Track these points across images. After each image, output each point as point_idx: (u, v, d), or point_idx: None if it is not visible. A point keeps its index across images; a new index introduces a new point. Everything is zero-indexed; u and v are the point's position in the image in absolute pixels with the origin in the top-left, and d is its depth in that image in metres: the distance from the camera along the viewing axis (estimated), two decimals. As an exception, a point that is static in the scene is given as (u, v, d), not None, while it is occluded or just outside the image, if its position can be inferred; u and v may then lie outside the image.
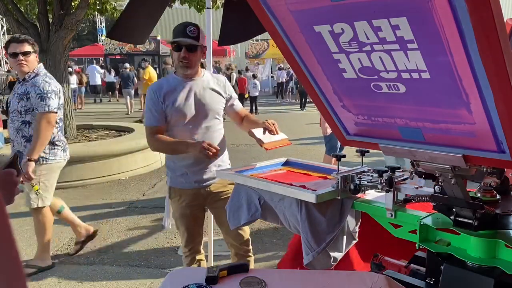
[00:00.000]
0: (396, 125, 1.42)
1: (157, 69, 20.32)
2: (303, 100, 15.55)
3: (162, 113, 2.36)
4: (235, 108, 2.57)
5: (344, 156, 1.94)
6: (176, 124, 2.38)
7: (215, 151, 2.23)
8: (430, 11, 1.01)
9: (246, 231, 2.56)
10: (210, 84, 2.45)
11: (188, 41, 2.30)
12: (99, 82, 18.49)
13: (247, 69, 18.49)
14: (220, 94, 2.48)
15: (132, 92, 14.70)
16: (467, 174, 1.40)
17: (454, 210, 1.46)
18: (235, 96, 2.61)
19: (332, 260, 1.86)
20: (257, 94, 14.67)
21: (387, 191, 1.64)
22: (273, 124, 2.42)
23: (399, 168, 1.69)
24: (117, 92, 19.25)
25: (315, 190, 1.80)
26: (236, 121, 2.62)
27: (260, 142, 2.37)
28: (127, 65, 16.48)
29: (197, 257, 2.55)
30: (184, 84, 2.38)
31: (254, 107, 14.36)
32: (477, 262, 1.41)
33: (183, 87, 2.37)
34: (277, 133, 2.41)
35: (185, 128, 2.38)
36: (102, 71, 19.67)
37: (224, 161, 2.54)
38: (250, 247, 2.60)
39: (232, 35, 3.99)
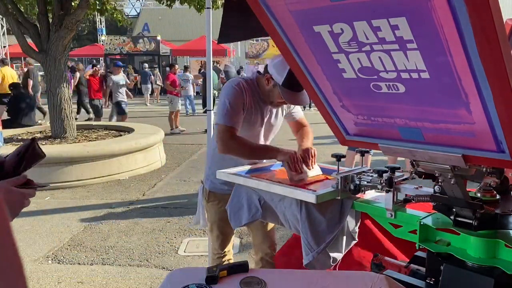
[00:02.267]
0: (395, 125, 1.42)
1: (158, 69, 20.30)
2: None
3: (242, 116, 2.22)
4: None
5: (343, 156, 1.94)
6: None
7: (299, 169, 2.07)
8: (430, 11, 1.01)
9: (273, 235, 2.54)
10: None
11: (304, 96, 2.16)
12: (98, 82, 18.54)
13: (239, 72, 18.53)
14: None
15: (150, 87, 17.09)
16: (466, 174, 1.40)
17: (454, 210, 1.46)
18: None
19: (332, 260, 1.86)
20: None
21: (387, 191, 1.64)
22: (312, 157, 2.17)
23: (399, 168, 1.69)
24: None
25: (315, 191, 1.80)
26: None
27: (290, 177, 2.05)
28: (146, 64, 19.03)
29: (227, 258, 2.55)
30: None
31: None
32: (477, 262, 1.41)
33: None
34: (312, 168, 2.16)
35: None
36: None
37: None
38: (275, 253, 2.57)
39: (231, 34, 3.99)
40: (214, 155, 2.38)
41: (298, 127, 2.49)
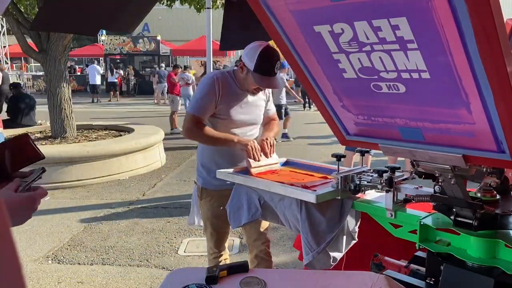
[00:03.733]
0: (396, 125, 1.42)
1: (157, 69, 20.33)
2: (308, 100, 15.44)
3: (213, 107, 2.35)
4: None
5: (343, 156, 1.94)
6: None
7: (257, 157, 2.24)
8: (430, 11, 1.01)
9: (267, 232, 2.56)
10: None
11: (276, 81, 2.32)
12: (98, 82, 18.53)
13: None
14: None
15: (165, 87, 16.31)
16: (467, 174, 1.40)
17: (454, 210, 1.46)
18: None
19: (332, 260, 1.86)
20: None
21: (387, 191, 1.64)
22: (271, 146, 2.33)
23: (399, 168, 1.69)
24: (118, 92, 19.34)
25: (315, 190, 1.80)
26: None
27: (248, 164, 2.21)
28: (163, 64, 19.70)
29: (223, 258, 2.56)
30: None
31: None
32: (477, 262, 1.41)
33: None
34: (270, 156, 2.32)
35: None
36: (101, 71, 19.77)
37: None
38: (270, 249, 2.59)
39: (232, 41, 4.00)
40: (202, 152, 2.47)
41: (267, 120, 2.61)
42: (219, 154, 2.40)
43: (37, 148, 1.06)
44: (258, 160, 2.23)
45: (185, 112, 2.46)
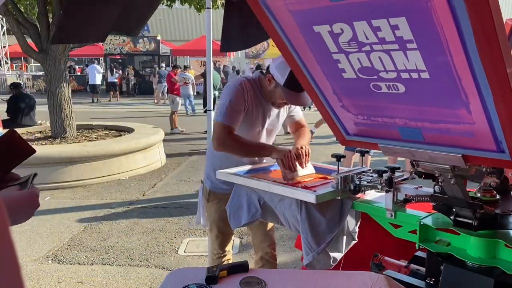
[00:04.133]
0: (395, 125, 1.42)
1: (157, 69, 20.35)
2: None
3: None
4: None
5: (343, 156, 1.94)
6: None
7: (293, 168, 2.11)
8: (429, 11, 1.01)
9: (273, 234, 2.55)
10: None
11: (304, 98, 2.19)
12: (98, 82, 18.55)
13: (238, 72, 18.54)
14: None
15: (165, 87, 16.45)
16: (466, 174, 1.40)
17: (454, 210, 1.46)
18: None
19: (332, 260, 1.86)
20: None
21: (387, 191, 1.64)
22: (306, 155, 2.18)
23: (399, 168, 1.69)
24: (118, 92, 19.36)
25: (315, 191, 1.80)
26: None
27: (284, 176, 2.08)
28: (163, 64, 19.84)
29: (226, 258, 2.56)
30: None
31: None
32: (477, 262, 1.41)
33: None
34: (305, 166, 2.18)
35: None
36: (101, 71, 19.78)
37: None
38: (275, 252, 2.58)
39: (233, 42, 4.00)
40: (213, 155, 2.39)
41: (297, 127, 2.50)
42: (233, 160, 2.29)
43: (27, 142, 1.02)
44: (295, 170, 2.10)
45: (214, 122, 2.28)
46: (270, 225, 2.50)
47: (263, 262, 2.53)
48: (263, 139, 2.39)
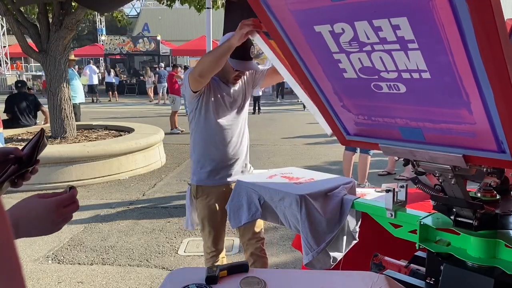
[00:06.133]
0: (396, 125, 1.42)
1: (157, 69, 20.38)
2: None
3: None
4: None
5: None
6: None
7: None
8: (431, 11, 1.01)
9: (261, 230, 2.59)
10: None
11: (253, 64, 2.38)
12: (96, 82, 18.56)
13: None
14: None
15: (164, 87, 16.82)
16: (467, 174, 1.40)
17: (454, 210, 1.46)
18: None
19: (332, 260, 1.87)
20: (260, 94, 14.66)
21: (387, 191, 1.64)
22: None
23: None
24: (116, 92, 19.36)
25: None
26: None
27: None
28: (162, 64, 19.89)
29: (221, 256, 2.56)
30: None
31: (257, 107, 14.33)
32: (477, 262, 1.41)
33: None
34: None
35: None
36: (97, 71, 19.84)
37: (247, 159, 2.62)
38: (264, 247, 2.62)
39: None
40: (195, 148, 2.47)
41: (270, 70, 2.54)
42: (212, 148, 2.42)
43: (46, 138, 1.17)
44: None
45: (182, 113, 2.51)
46: (259, 223, 2.53)
47: (254, 258, 2.56)
48: (233, 116, 2.46)
